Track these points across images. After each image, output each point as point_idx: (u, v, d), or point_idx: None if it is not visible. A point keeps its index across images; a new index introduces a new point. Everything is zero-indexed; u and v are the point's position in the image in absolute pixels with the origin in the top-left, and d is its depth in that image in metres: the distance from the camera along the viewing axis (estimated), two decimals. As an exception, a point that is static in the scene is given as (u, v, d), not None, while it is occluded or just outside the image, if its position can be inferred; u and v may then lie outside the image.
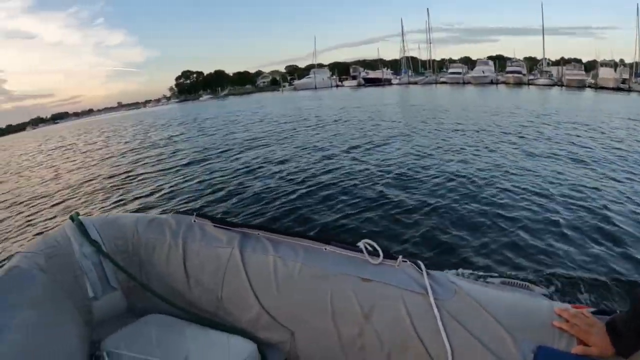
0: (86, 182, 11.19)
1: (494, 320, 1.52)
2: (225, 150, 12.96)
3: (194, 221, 2.25)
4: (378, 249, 1.85)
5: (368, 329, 1.72)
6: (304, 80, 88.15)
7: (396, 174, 7.76)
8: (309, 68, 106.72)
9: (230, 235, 2.13)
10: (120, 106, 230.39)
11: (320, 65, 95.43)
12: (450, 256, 4.25)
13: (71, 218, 2.20)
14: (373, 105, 25.93)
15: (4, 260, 5.68)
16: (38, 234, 6.77)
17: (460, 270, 3.85)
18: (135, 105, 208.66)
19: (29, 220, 8.01)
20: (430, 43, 78.72)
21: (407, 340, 1.63)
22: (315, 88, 78.81)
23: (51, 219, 7.83)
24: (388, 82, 74.86)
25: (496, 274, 3.79)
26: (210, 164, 11.01)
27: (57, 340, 1.60)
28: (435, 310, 1.59)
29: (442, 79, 65.94)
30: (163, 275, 2.17)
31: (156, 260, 2.18)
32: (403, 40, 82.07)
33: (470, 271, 3.85)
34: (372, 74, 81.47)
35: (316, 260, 1.91)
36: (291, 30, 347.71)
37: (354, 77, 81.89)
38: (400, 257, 1.81)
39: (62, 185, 11.42)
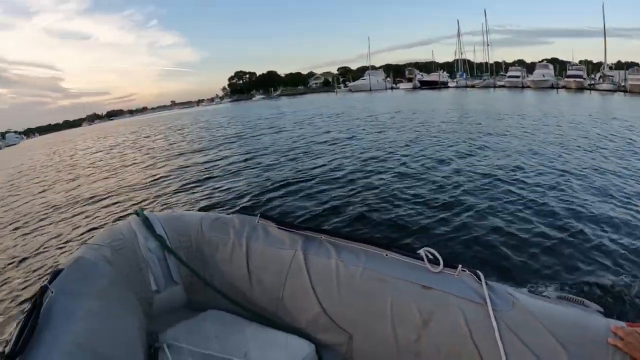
0: (147, 178, 11.26)
1: (550, 334, 1.54)
2: (288, 152, 12.81)
3: (258, 222, 2.30)
4: (438, 257, 1.87)
5: (425, 336, 1.74)
6: (358, 82, 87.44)
7: (463, 182, 7.44)
8: (361, 70, 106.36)
9: (293, 238, 2.16)
10: (174, 105, 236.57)
11: (373, 67, 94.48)
12: (509, 268, 4.16)
13: (136, 213, 2.29)
14: (433, 109, 24.82)
15: (70, 250, 5.80)
16: (95, 227, 7.05)
17: (519, 285, 3.73)
18: (188, 104, 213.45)
19: (92, 213, 8.14)
20: (488, 45, 76.40)
21: (463, 349, 1.66)
22: (370, 90, 78.12)
23: (113, 213, 7.93)
24: (444, 85, 73.12)
25: (552, 289, 3.71)
26: (272, 164, 10.89)
27: (119, 329, 1.67)
28: (493, 321, 1.60)
29: (499, 83, 63.82)
30: (225, 273, 2.23)
31: (219, 258, 2.25)
32: (460, 42, 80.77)
33: (528, 284, 3.79)
34: (429, 77, 79.80)
35: (377, 266, 1.93)
36: (342, 31, 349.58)
37: (410, 80, 79.96)
38: (460, 266, 1.84)
39: (123, 180, 11.55)
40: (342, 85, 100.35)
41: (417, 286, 1.80)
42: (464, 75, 77.22)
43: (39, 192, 12.19)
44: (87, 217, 7.94)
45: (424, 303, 1.76)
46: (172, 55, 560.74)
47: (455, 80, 76.06)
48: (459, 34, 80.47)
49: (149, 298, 2.13)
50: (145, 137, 29.19)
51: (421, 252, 1.92)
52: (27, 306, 1.93)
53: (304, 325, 2.05)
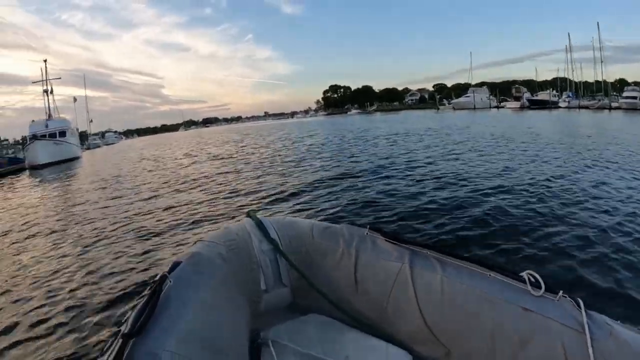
0: (256, 182, 11.55)
1: None
2: (399, 166, 12.28)
3: (367, 234, 2.34)
4: (540, 281, 1.82)
5: (522, 358, 1.73)
6: (462, 99, 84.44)
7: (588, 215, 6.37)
8: (457, 87, 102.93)
9: (400, 251, 2.18)
10: (267, 115, 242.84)
11: (470, 85, 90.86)
12: (611, 298, 3.80)
13: (249, 216, 2.48)
14: (565, 132, 21.56)
15: (188, 244, 5.93)
16: (196, 220, 7.66)
17: (620, 316, 2.62)
18: (282, 115, 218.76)
19: (203, 212, 8.35)
20: (602, 62, 69.03)
21: None
22: (474, 108, 75.06)
23: (221, 214, 8.09)
24: (554, 105, 67.65)
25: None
26: (382, 177, 10.52)
27: (228, 323, 1.79)
28: (590, 350, 1.57)
29: (614, 104, 57.34)
30: (332, 280, 2.31)
31: (327, 265, 2.34)
32: (570, 60, 75.49)
33: (630, 317, 3.10)
34: (538, 96, 74.67)
35: (480, 284, 1.90)
36: (436, 47, 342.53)
37: (517, 99, 75.44)
38: (561, 292, 1.78)
39: (231, 184, 11.83)
40: (446, 101, 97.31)
41: (517, 308, 1.77)
42: (573, 95, 71.62)
43: (149, 188, 12.96)
44: (199, 215, 8.19)
45: (523, 325, 1.73)
46: (266, 67, 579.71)
47: (566, 100, 70.38)
48: (569, 50, 75.22)
49: (257, 297, 2.23)
50: (257, 145, 28.68)
51: (524, 274, 1.86)
52: (145, 292, 1.74)
53: (404, 336, 2.08)
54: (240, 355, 1.77)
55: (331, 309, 2.27)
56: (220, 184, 12.06)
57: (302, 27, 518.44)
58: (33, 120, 42.53)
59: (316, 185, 10.14)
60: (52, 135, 38.85)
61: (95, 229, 8.01)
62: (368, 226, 2.40)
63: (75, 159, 40.63)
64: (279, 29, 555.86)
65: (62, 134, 40.72)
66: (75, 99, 79.74)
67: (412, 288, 2.03)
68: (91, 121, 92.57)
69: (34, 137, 34.70)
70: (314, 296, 2.30)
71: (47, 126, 40.63)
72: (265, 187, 10.54)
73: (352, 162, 14.15)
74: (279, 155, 19.42)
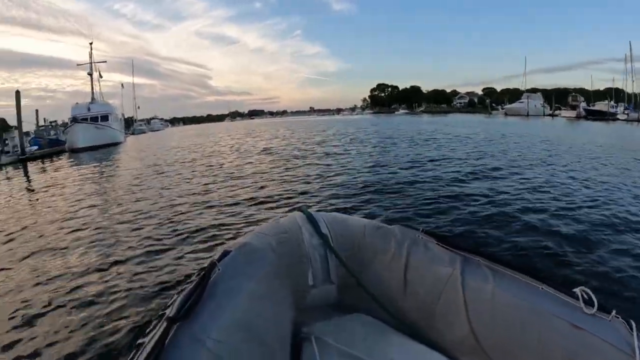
0: (306, 175, 11.66)
1: None
2: (468, 173, 11.24)
3: (419, 236, 2.29)
4: (594, 299, 1.73)
5: None
6: (515, 105, 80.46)
7: None
8: (512, 93, 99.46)
9: (452, 256, 2.12)
10: (313, 111, 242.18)
11: (519, 91, 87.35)
12: None
13: (301, 210, 2.47)
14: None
15: (237, 234, 5.97)
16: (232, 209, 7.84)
17: None
18: (327, 111, 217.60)
19: (253, 204, 8.35)
20: None
21: None
22: (527, 115, 71.45)
23: (270, 206, 8.12)
24: (612, 117, 63.01)
25: None
26: (434, 180, 10.17)
27: (273, 315, 1.80)
28: None
29: None
30: (381, 281, 2.27)
31: (377, 265, 2.31)
32: (631, 70, 70.55)
33: None
34: (597, 106, 69.99)
35: (531, 298, 1.83)
36: (486, 50, 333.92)
37: (573, 107, 71.07)
38: (614, 312, 1.68)
39: (283, 177, 11.75)
40: (499, 106, 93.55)
41: (567, 325, 1.69)
42: (632, 107, 67.01)
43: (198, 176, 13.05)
44: (248, 205, 8.24)
45: (571, 343, 1.65)
46: (313, 63, 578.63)
47: (625, 112, 65.87)
48: (630, 59, 70.25)
49: (303, 291, 2.23)
50: (298, 139, 28.81)
51: (577, 290, 1.77)
52: (192, 278, 1.82)
53: (449, 344, 2.02)
54: (282, 349, 1.77)
55: (377, 310, 2.21)
56: (272, 177, 11.84)
57: (351, 24, 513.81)
58: (77, 103, 42.30)
59: (371, 185, 9.76)
60: (94, 119, 38.28)
61: (135, 212, 8.11)
62: (421, 228, 2.33)
63: (116, 144, 40.04)
64: (328, 26, 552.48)
65: (105, 118, 40.21)
66: (122, 85, 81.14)
67: (461, 295, 1.96)
68: (138, 107, 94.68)
69: (75, 120, 34.11)
70: (360, 295, 2.25)
71: (89, 109, 40.23)
72: (326, 184, 10.24)
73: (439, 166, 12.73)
74: (337, 151, 18.71)
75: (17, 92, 30.06)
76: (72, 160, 25.71)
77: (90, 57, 47.33)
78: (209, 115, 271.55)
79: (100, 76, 48.50)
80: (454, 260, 2.09)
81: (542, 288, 1.84)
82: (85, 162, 22.49)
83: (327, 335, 1.96)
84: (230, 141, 31.81)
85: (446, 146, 19.00)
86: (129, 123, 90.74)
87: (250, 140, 32.02)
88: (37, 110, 38.62)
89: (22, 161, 27.02)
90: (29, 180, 16.56)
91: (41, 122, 42.90)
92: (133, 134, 77.75)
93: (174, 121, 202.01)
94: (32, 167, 23.16)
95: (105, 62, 51.92)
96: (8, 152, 30.09)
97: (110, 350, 3.19)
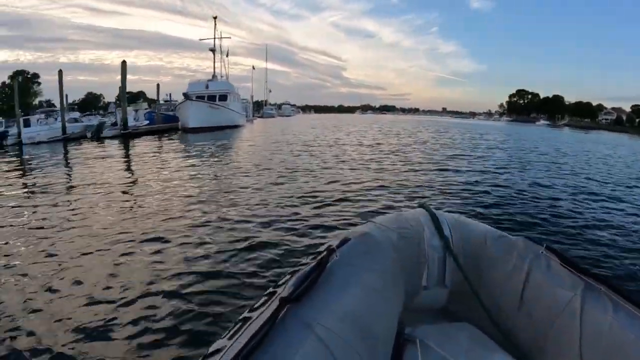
0: (437, 176, 10.89)
1: None
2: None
3: (542, 252, 2.01)
4: None
5: None
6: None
7: None
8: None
9: (574, 280, 1.83)
10: (444, 112, 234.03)
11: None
12: None
13: (423, 207, 2.29)
14: None
15: (351, 223, 5.96)
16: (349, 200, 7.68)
17: None
18: (460, 114, 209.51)
19: (375, 195, 8.21)
20: None
21: None
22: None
23: (389, 199, 7.91)
24: None
25: None
26: (582, 199, 8.73)
27: (382, 310, 1.65)
28: None
29: None
30: (496, 294, 2.04)
31: (495, 276, 2.07)
32: None
33: None
34: None
35: None
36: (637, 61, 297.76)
37: None
38: None
39: (411, 171, 11.40)
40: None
41: None
42: None
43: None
44: (369, 195, 8.10)
45: None
46: (448, 63, 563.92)
47: None
48: None
49: (415, 291, 2.06)
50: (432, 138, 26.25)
51: None
52: (307, 260, 1.75)
53: None
54: (386, 347, 1.62)
55: (486, 323, 1.97)
56: (403, 174, 11.02)
57: (490, 24, 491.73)
58: (198, 80, 39.61)
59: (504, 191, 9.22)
60: (212, 98, 35.06)
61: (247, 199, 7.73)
62: (545, 244, 2.02)
63: (234, 127, 36.81)
64: (466, 24, 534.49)
65: (223, 97, 36.82)
66: (253, 67, 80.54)
67: (577, 324, 1.67)
68: (269, 91, 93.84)
69: (187, 98, 30.91)
70: (470, 304, 2.03)
71: (207, 87, 37.17)
72: (449, 183, 9.88)
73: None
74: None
75: (124, 62, 27.95)
76: (174, 139, 24.48)
77: (214, 32, 44.69)
78: (340, 106, 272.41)
79: (227, 55, 46.10)
80: (576, 284, 1.78)
81: None
82: (187, 145, 20.70)
83: (431, 340, 1.77)
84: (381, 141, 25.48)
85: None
86: (259, 106, 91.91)
87: (408, 139, 25.74)
88: (158, 85, 36.37)
89: (123, 136, 26.03)
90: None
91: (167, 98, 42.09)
92: (262, 117, 78.00)
93: (305, 108, 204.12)
94: (114, 142, 22.99)
95: (230, 37, 48.96)
96: (115, 123, 29.36)
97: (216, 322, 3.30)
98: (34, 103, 65.37)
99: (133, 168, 12.78)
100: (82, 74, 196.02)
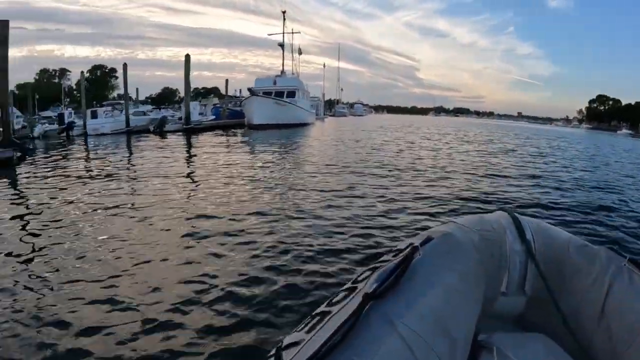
0: (525, 181, 10.40)
1: None
2: None
3: (625, 265, 1.86)
4: None
5: None
6: None
7: None
8: None
9: None
10: (520, 117, 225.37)
11: None
12: None
13: (506, 211, 2.20)
14: None
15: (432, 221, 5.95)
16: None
17: None
18: (535, 119, 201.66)
19: (456, 198, 7.81)
20: None
21: None
22: None
23: (471, 202, 7.54)
24: None
25: None
26: None
27: (460, 313, 1.58)
28: None
29: None
30: (575, 305, 1.91)
31: (576, 286, 1.94)
32: None
33: None
34: None
35: None
36: None
37: None
38: None
39: (493, 174, 10.94)
40: None
41: None
42: None
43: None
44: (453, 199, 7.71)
45: None
46: (524, 65, 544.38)
47: None
48: None
49: (493, 297, 1.96)
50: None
51: None
52: (388, 257, 1.66)
53: None
54: (463, 352, 1.52)
55: (563, 335, 1.84)
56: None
57: (569, 24, 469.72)
58: (268, 76, 38.35)
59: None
60: (279, 94, 33.58)
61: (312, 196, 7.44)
62: (628, 257, 1.86)
63: (302, 125, 35.29)
64: (544, 25, 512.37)
65: (291, 94, 35.20)
66: (324, 65, 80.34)
67: None
68: (341, 90, 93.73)
69: (252, 93, 29.66)
70: (548, 314, 1.92)
71: (274, 83, 35.81)
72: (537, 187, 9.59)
73: None
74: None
75: (187, 56, 27.94)
76: (236, 136, 23.90)
77: (283, 26, 43.33)
78: (413, 107, 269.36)
79: (300, 52, 44.97)
80: None
81: None
82: (247, 142, 20.03)
83: (507, 348, 1.63)
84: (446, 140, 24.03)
85: None
86: (331, 104, 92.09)
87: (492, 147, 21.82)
88: (226, 80, 36.22)
89: (185, 131, 26.14)
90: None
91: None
92: (333, 115, 78.00)
93: (378, 108, 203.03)
94: (175, 137, 23.39)
95: (299, 32, 47.17)
96: (180, 118, 29.98)
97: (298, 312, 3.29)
98: (110, 96, 67.70)
99: (179, 162, 12.84)
100: (159, 69, 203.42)
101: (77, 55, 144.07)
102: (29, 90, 43.08)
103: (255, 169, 10.86)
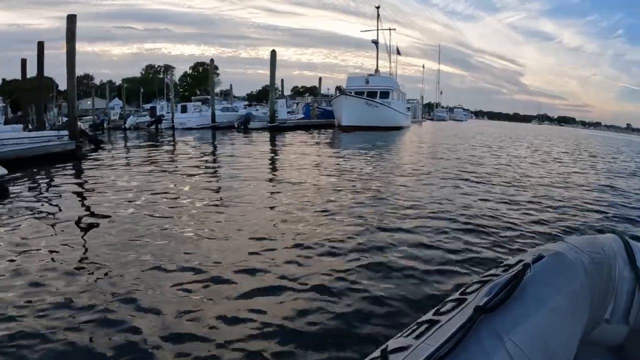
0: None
1: None
2: None
3: None
4: None
5: None
6: None
7: None
8: None
9: None
10: (629, 129, 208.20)
11: None
12: None
13: (617, 233, 1.90)
14: None
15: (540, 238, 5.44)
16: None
17: None
18: None
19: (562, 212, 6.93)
20: None
21: None
22: None
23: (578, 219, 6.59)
24: None
25: None
26: None
27: (567, 336, 1.45)
28: None
29: None
30: None
31: None
32: None
33: None
34: None
35: None
36: None
37: None
38: None
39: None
40: None
41: None
42: None
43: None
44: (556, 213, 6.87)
45: None
46: (634, 72, 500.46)
47: None
48: None
49: (596, 323, 1.68)
50: None
51: None
52: (497, 271, 1.49)
53: None
54: None
55: None
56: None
57: None
58: (360, 75, 36.41)
59: None
60: (372, 94, 31.41)
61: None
62: None
63: (396, 128, 32.90)
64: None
65: (384, 94, 32.86)
66: (423, 66, 78.80)
67: None
68: (441, 93, 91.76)
69: (341, 92, 27.95)
70: None
71: (367, 82, 33.61)
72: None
73: None
74: None
75: (273, 52, 27.46)
76: (323, 136, 23.11)
77: (377, 22, 41.10)
78: (515, 114, 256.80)
79: (399, 53, 42.99)
80: None
81: None
82: (333, 144, 19.21)
83: None
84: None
85: None
86: (430, 108, 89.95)
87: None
88: (320, 79, 35.20)
89: (270, 129, 25.82)
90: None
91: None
92: (432, 119, 75.87)
93: (478, 114, 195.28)
94: (258, 134, 23.44)
95: (395, 29, 44.87)
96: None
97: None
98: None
99: (244, 159, 12.66)
100: (262, 68, 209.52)
101: (183, 54, 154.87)
102: (134, 84, 45.61)
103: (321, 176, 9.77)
